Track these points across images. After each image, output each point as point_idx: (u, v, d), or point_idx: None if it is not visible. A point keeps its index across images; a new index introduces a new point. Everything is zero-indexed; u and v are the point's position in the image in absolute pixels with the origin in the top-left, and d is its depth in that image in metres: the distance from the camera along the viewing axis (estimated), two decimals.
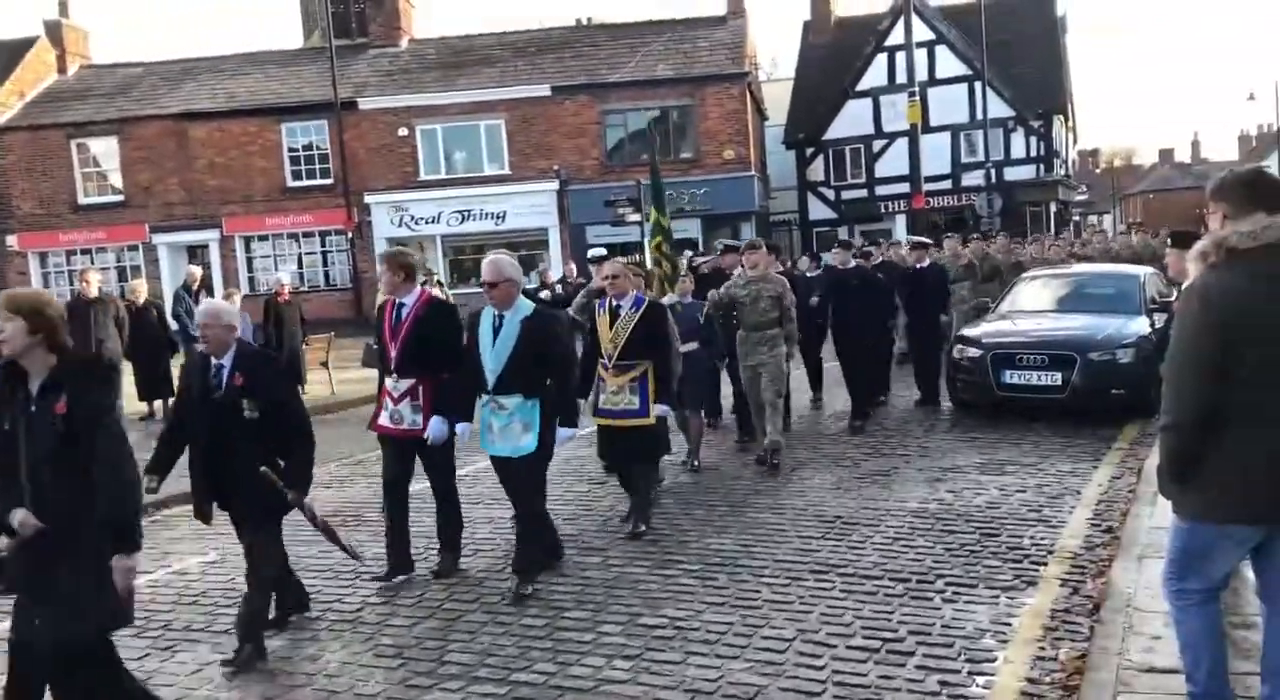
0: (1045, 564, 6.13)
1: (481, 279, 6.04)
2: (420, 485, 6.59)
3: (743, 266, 9.42)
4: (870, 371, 11.45)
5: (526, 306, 6.02)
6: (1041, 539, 6.63)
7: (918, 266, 12.44)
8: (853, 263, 11.69)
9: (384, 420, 6.34)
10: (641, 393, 7.03)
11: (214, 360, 5.25)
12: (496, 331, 5.95)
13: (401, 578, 6.31)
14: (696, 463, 9.11)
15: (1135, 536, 6.20)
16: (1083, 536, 6.66)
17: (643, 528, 7.07)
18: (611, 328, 7.13)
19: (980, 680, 4.59)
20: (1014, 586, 5.76)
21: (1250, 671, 4.00)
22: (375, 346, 7.42)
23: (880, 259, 14.19)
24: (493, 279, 5.94)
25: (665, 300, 8.72)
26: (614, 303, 7.20)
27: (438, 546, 6.56)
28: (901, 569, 6.12)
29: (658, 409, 7.03)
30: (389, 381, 6.29)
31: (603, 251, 11.43)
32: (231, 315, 5.33)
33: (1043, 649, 4.89)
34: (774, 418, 9.04)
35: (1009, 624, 5.22)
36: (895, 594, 5.70)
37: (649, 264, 9.70)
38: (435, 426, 6.16)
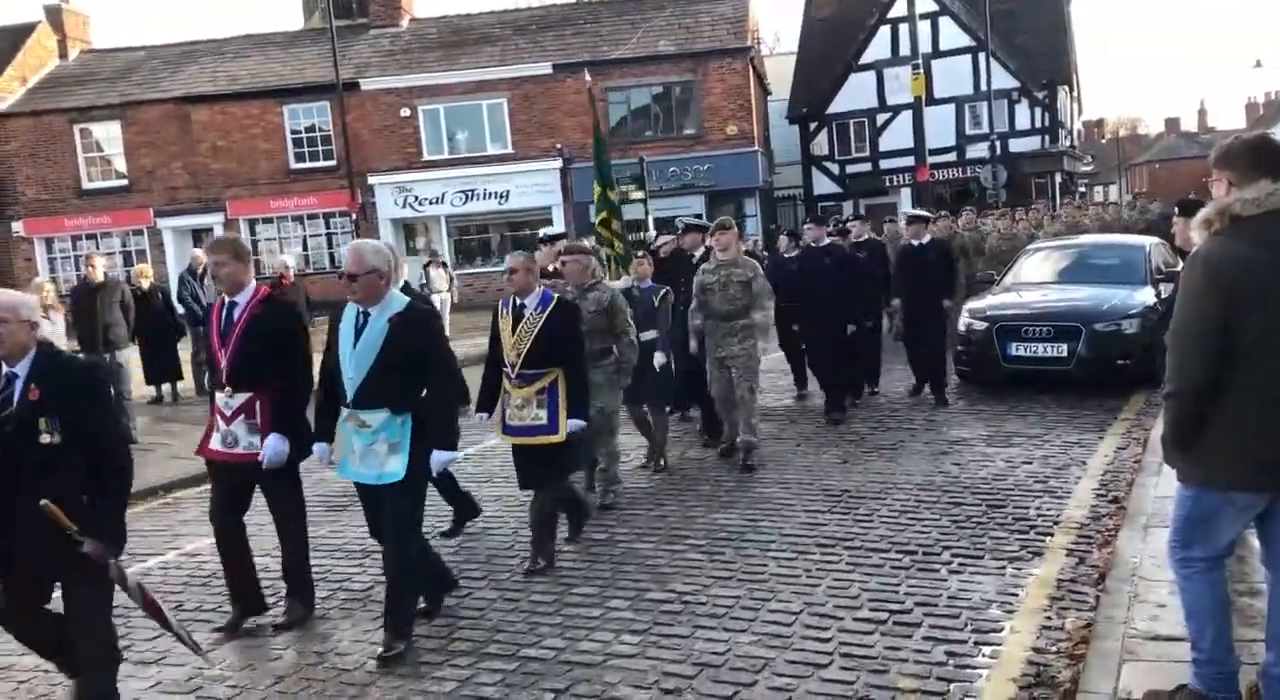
0: (1051, 534, 6.15)
1: (342, 270, 5.01)
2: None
3: (711, 249, 8.51)
4: (849, 364, 10.28)
5: (398, 302, 4.98)
6: (1048, 510, 6.65)
7: (915, 243, 10.88)
8: (826, 240, 10.44)
9: (215, 443, 5.36)
10: (550, 405, 6.07)
11: (5, 368, 4.12)
12: (359, 333, 4.92)
13: (254, 621, 5.47)
14: (663, 462, 8.40)
15: (1141, 506, 6.21)
16: (1088, 507, 6.68)
17: (541, 563, 6.03)
18: (514, 331, 6.13)
19: (987, 650, 4.62)
20: (1020, 557, 5.78)
21: (1255, 639, 4.02)
22: None
23: (865, 236, 12.76)
24: (354, 270, 4.87)
25: (618, 284, 8.12)
26: (517, 301, 6.17)
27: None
28: (908, 542, 6.14)
29: (570, 424, 6.06)
30: (220, 397, 5.32)
31: (558, 229, 10.17)
32: (32, 309, 4.21)
33: (1049, 619, 4.91)
34: (746, 415, 8.18)
35: (1015, 594, 5.24)
36: (902, 566, 5.72)
37: (591, 243, 8.83)
38: (272, 446, 5.18)
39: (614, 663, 4.70)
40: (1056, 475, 7.49)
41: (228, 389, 5.27)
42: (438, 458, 4.97)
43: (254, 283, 5.39)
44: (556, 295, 6.28)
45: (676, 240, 10.08)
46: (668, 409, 8.88)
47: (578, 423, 6.09)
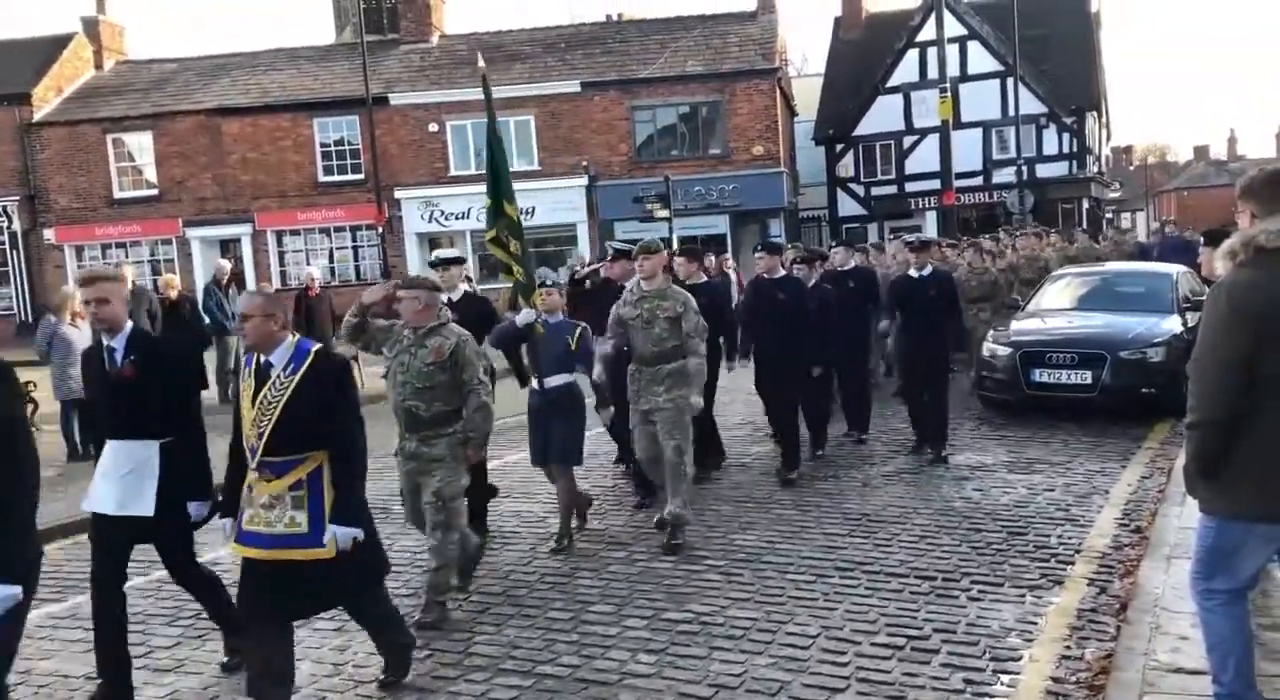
0: (1072, 563, 6.11)
1: None
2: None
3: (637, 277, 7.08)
4: (807, 409, 9.01)
5: None
6: (1069, 538, 6.60)
7: (914, 274, 9.38)
8: (781, 272, 8.72)
9: None
10: (313, 504, 4.26)
11: None
12: None
13: None
14: (568, 541, 6.88)
15: (1163, 536, 6.16)
16: (1110, 536, 6.63)
17: None
18: (254, 402, 4.30)
19: (1005, 679, 4.59)
20: (1040, 585, 5.75)
21: (1277, 674, 3.98)
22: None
23: (851, 264, 10.96)
24: None
25: (519, 318, 6.72)
26: (261, 359, 4.34)
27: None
28: (927, 567, 6.11)
29: (337, 533, 4.22)
30: None
31: (453, 252, 8.26)
32: None
33: (1069, 648, 4.88)
34: (675, 481, 6.72)
35: (1035, 623, 5.21)
36: (921, 592, 5.70)
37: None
38: None
39: (630, 682, 4.70)
40: (1079, 503, 7.43)
41: None
42: None
43: None
44: (316, 346, 4.38)
45: (604, 268, 8.57)
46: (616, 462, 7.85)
47: (349, 533, 4.25)
